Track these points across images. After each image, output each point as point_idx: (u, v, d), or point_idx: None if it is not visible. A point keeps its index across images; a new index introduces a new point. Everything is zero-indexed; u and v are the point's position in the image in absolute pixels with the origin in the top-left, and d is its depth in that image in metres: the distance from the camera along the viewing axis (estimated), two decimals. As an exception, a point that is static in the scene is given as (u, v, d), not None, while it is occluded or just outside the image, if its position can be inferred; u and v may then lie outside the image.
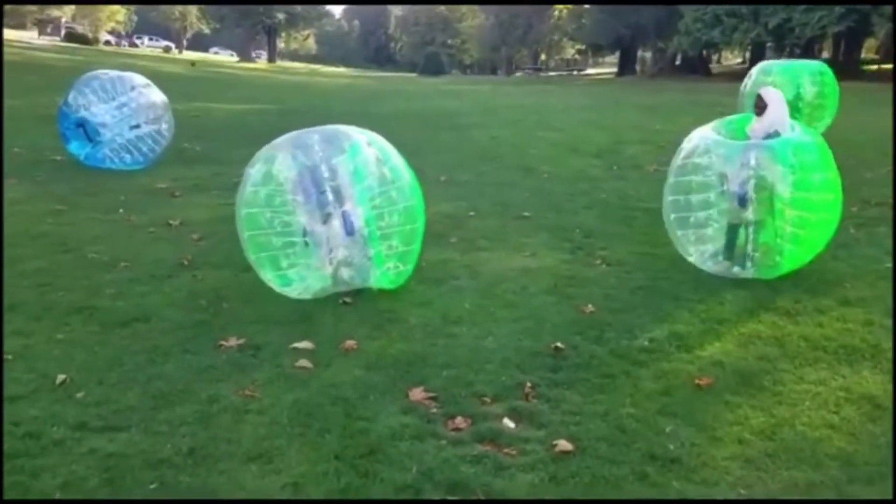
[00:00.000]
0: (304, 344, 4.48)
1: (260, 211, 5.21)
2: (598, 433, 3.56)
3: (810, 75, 13.15)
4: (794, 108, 12.76)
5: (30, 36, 64.03)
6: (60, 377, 3.88)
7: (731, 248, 6.14)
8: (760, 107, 6.15)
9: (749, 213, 5.96)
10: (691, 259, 6.22)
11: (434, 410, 3.75)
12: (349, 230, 5.23)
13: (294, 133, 5.34)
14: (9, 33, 61.55)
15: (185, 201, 8.54)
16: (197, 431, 3.40)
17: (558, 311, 5.31)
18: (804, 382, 4.23)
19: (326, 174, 5.18)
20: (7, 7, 61.14)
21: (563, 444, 3.42)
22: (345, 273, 5.36)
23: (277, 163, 5.17)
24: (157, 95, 10.65)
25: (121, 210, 7.83)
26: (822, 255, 7.00)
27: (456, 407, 3.79)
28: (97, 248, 6.36)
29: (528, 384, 4.06)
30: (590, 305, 5.36)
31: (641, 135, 15.83)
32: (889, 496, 3.20)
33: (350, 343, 4.53)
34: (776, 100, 6.19)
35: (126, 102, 10.28)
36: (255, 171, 5.24)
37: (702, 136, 6.36)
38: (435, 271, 5.70)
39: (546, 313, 5.23)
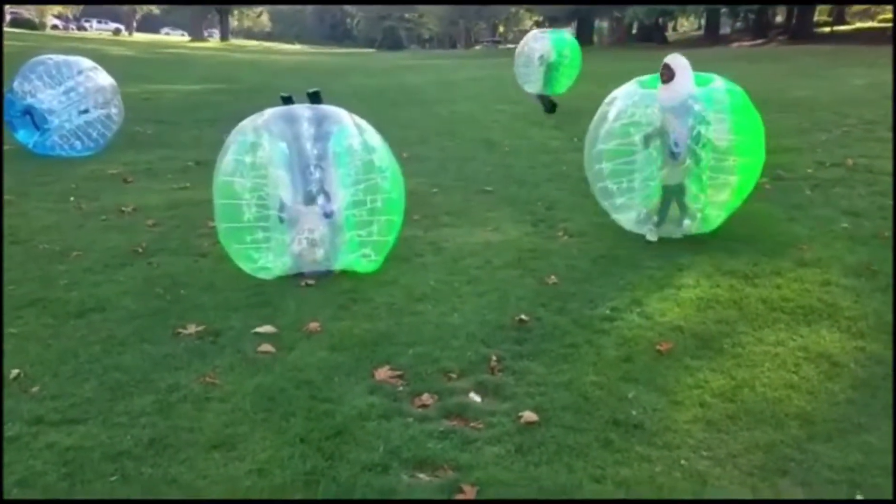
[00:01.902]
0: (267, 328, 4.42)
1: (237, 181, 5.04)
2: (562, 402, 3.58)
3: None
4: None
5: (-28, 22, 61.86)
6: (14, 372, 3.77)
7: (665, 210, 6.35)
8: (668, 75, 6.07)
9: (686, 167, 6.14)
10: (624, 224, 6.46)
11: (400, 389, 3.73)
12: (328, 213, 5.20)
13: (283, 108, 5.23)
14: (-51, 19, 59.49)
15: (137, 186, 8.35)
16: (157, 422, 3.34)
17: (522, 283, 5.31)
18: (763, 344, 4.30)
19: (315, 152, 5.11)
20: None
21: (529, 416, 3.43)
22: (317, 253, 5.29)
23: (265, 136, 5.05)
24: (104, 79, 10.35)
25: (72, 198, 7.62)
26: (777, 217, 7.15)
27: (422, 384, 3.78)
28: (48, 239, 6.19)
29: (494, 358, 4.06)
30: (552, 277, 5.38)
31: (595, 105, 15.83)
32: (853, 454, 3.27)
33: (314, 325, 4.48)
34: (683, 66, 6.10)
35: (73, 87, 9.97)
36: (239, 141, 5.08)
37: (628, 93, 6.44)
38: (399, 249, 5.65)
39: (510, 286, 5.24)
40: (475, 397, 3.65)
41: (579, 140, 12.25)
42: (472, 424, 3.38)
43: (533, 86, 14.81)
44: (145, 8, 74.19)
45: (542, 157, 10.39)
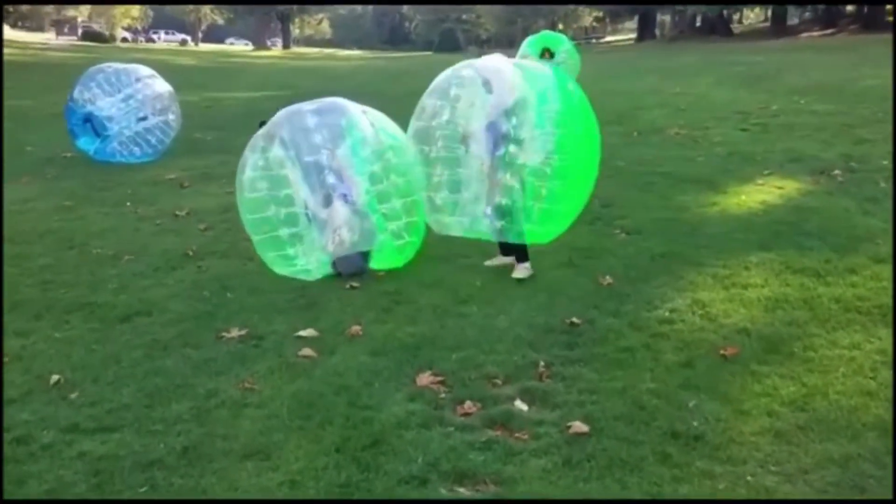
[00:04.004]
0: (309, 332, 4.30)
1: (260, 196, 5.16)
2: (615, 412, 3.35)
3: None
4: None
5: (47, 37, 64.49)
6: (55, 377, 3.74)
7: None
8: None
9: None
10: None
11: (442, 395, 3.55)
12: (346, 198, 5.20)
13: (289, 112, 5.21)
14: (26, 35, 62.10)
15: (193, 191, 8.41)
16: (192, 429, 3.24)
17: (574, 284, 5.07)
18: (837, 347, 3.97)
19: (325, 153, 5.07)
20: (24, 8, 61.62)
21: (578, 426, 3.21)
22: (346, 235, 5.21)
23: (275, 148, 5.08)
24: (162, 86, 10.51)
25: (128, 203, 7.71)
26: (851, 211, 6.71)
27: (465, 391, 3.59)
28: (102, 243, 6.24)
29: (542, 363, 3.84)
30: (608, 277, 5.12)
31: (661, 98, 15.43)
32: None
33: (355, 329, 4.35)
34: (493, 70, 5.08)
35: (132, 94, 10.15)
36: (253, 158, 5.17)
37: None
38: (443, 249, 5.49)
39: (561, 287, 5.01)
40: (521, 405, 3.44)
41: (639, 135, 11.93)
42: (516, 435, 3.18)
43: None
44: (210, 18, 76.04)
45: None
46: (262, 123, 5.33)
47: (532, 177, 5.01)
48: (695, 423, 3.24)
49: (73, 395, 3.58)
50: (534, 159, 4.98)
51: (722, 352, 3.92)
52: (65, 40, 61.71)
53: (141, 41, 71.77)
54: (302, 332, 4.29)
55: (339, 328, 4.39)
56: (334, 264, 5.29)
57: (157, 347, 4.14)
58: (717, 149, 10.25)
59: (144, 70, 10.56)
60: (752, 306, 4.56)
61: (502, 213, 5.09)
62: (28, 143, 11.68)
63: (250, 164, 5.14)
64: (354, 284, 5.13)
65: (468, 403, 3.45)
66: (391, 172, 5.30)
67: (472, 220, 5.25)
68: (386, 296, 4.94)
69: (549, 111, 4.96)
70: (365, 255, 5.38)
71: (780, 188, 7.81)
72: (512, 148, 5.00)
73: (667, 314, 4.46)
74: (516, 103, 4.97)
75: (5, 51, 35.10)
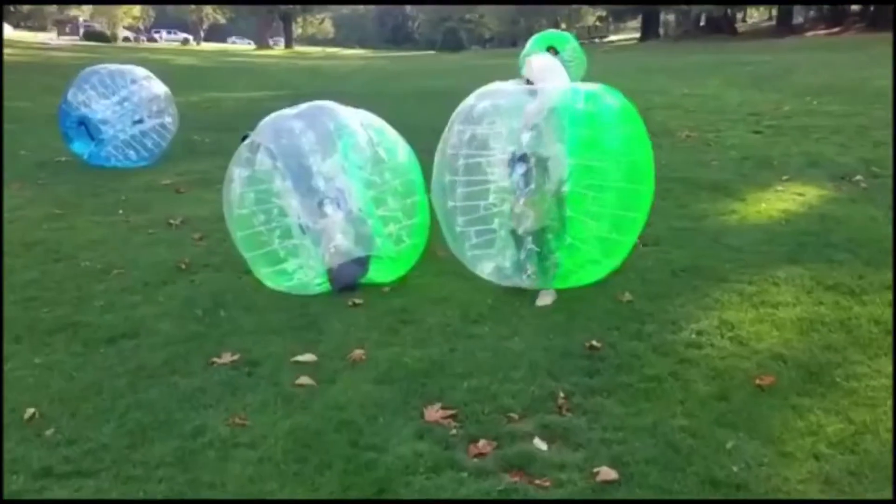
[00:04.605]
0: (307, 357, 3.98)
1: (250, 211, 4.91)
2: (646, 453, 3.02)
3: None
4: None
5: (49, 37, 64.25)
6: (30, 411, 3.42)
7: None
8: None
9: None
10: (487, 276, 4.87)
11: (453, 432, 3.23)
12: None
13: (273, 119, 4.96)
14: (29, 35, 61.92)
15: (189, 197, 8.09)
16: (175, 475, 2.92)
17: (592, 301, 4.74)
18: (881, 376, 3.64)
19: (314, 159, 4.82)
20: (26, 8, 61.42)
21: (606, 472, 2.88)
22: (341, 242, 4.95)
23: (261, 159, 4.83)
24: (159, 87, 10.16)
25: (121, 211, 7.39)
26: (878, 220, 6.38)
27: (478, 427, 3.27)
28: (91, 255, 5.92)
29: (562, 394, 3.52)
30: (626, 293, 4.79)
31: (668, 99, 15.09)
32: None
33: (358, 353, 4.03)
34: (540, 70, 4.72)
35: (127, 97, 9.80)
36: (239, 171, 4.93)
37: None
38: (454, 262, 5.17)
39: (578, 305, 4.68)
40: (540, 444, 3.12)
41: (652, 136, 11.58)
42: (537, 482, 2.85)
43: None
44: (212, 17, 75.81)
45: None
46: (245, 137, 5.03)
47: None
48: (735, 469, 2.91)
49: (48, 433, 3.26)
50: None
51: (758, 382, 3.59)
52: (66, 40, 61.45)
53: (143, 41, 71.53)
54: (300, 357, 3.97)
55: (341, 352, 4.07)
56: (330, 279, 5.00)
57: (142, 375, 3.82)
58: (731, 152, 9.92)
59: (140, 71, 10.22)
60: (785, 328, 4.23)
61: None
62: (23, 146, 11.34)
63: (237, 179, 4.88)
64: (357, 301, 4.82)
65: (482, 442, 3.13)
66: (386, 174, 5.06)
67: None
68: (391, 314, 4.62)
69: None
70: (363, 265, 5.09)
71: (800, 195, 7.48)
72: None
73: (693, 337, 4.14)
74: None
75: (5, 52, 34.88)
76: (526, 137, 4.51)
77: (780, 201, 7.27)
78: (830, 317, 4.35)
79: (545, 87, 4.56)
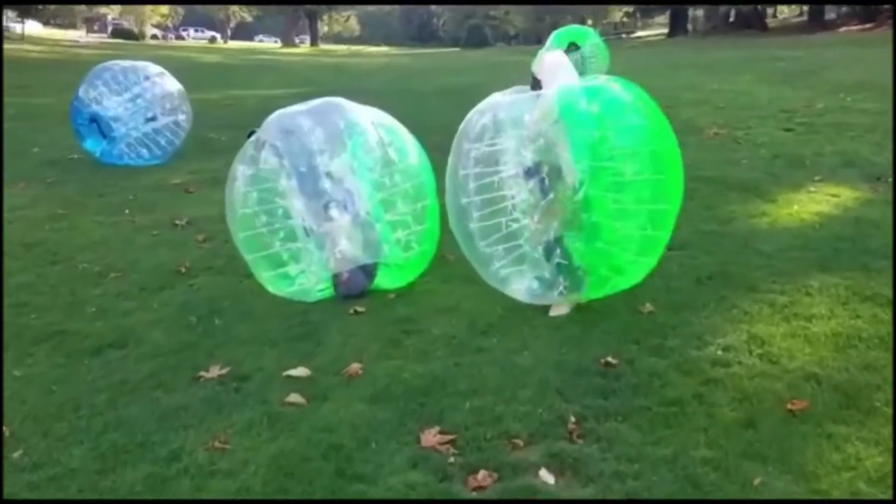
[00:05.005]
0: (300, 371, 3.72)
1: (253, 211, 4.68)
2: (664, 489, 2.71)
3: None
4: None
5: (79, 35, 64.86)
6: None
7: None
8: (535, 88, 4.37)
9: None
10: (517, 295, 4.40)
11: (451, 460, 2.94)
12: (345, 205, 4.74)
13: (280, 116, 4.72)
14: (59, 33, 62.56)
15: (198, 197, 7.88)
16: (142, 507, 2.67)
17: (609, 311, 4.43)
18: (928, 401, 3.29)
19: (322, 158, 4.57)
20: (55, 7, 62.08)
21: (618, 512, 2.58)
22: (347, 247, 4.72)
23: (266, 157, 4.58)
24: (172, 84, 9.99)
25: (127, 211, 7.20)
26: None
27: (479, 455, 2.98)
28: (90, 257, 5.72)
29: (573, 418, 3.21)
30: (647, 304, 4.46)
31: (697, 96, 14.62)
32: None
33: (355, 367, 3.75)
34: (550, 67, 4.35)
35: (140, 93, 9.64)
36: (243, 169, 4.69)
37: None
38: (464, 266, 4.88)
39: (594, 315, 4.36)
40: (547, 476, 2.82)
41: (675, 134, 11.17)
42: (541, 522, 2.56)
43: None
44: (239, 15, 76.15)
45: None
46: (252, 133, 4.78)
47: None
48: (764, 510, 2.59)
49: (16, 455, 3.04)
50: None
51: (789, 406, 3.26)
52: (95, 38, 62.02)
53: (171, 38, 72.01)
54: (292, 371, 3.71)
55: (337, 365, 3.80)
56: (336, 284, 4.75)
57: (124, 390, 3.58)
58: (762, 151, 9.49)
59: (153, 68, 10.05)
60: (819, 344, 3.88)
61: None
62: (37, 143, 11.25)
63: (241, 177, 4.64)
64: (359, 309, 4.55)
65: (482, 473, 2.84)
66: (396, 176, 4.80)
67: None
68: (395, 324, 4.34)
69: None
70: (370, 273, 4.83)
71: (834, 196, 7.08)
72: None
73: (720, 353, 3.80)
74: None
75: (33, 49, 35.22)
76: (532, 148, 4.20)
77: (813, 203, 6.88)
78: (868, 332, 3.99)
79: (544, 93, 4.24)
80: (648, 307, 4.43)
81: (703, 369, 3.63)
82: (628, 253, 4.31)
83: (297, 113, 4.78)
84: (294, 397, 3.44)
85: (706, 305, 4.45)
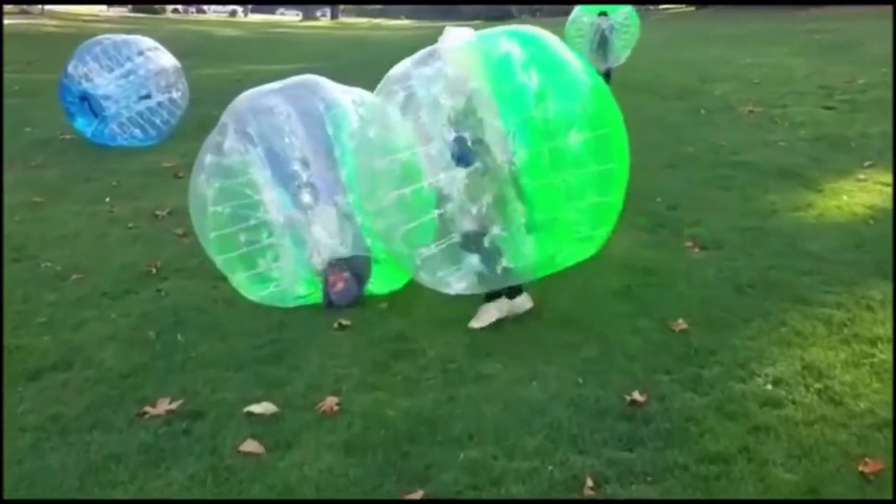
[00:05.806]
0: (264, 407, 3.11)
1: (221, 207, 4.13)
2: None
3: None
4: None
5: (100, 9, 64.38)
6: None
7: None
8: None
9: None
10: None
11: (434, 540, 2.34)
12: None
13: (250, 97, 4.15)
14: (79, 8, 62.12)
15: (186, 183, 7.19)
16: None
17: (634, 328, 3.79)
18: None
19: (297, 143, 4.16)
20: (76, -20, 61.54)
21: None
22: (328, 242, 4.20)
23: (232, 143, 4.00)
24: (167, 60, 9.34)
25: (107, 199, 6.62)
26: None
27: (470, 533, 2.37)
28: (56, 254, 5.15)
29: (590, 481, 2.58)
30: (680, 320, 3.80)
31: (730, 70, 13.72)
32: None
33: (330, 402, 3.14)
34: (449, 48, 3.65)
35: (133, 70, 9.00)
36: (210, 160, 4.21)
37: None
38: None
39: (616, 333, 3.72)
40: (555, 569, 2.20)
41: (706, 112, 10.41)
42: None
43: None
44: (258, -12, 75.22)
45: (660, 135, 8.59)
46: None
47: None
48: None
49: None
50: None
51: (861, 468, 2.60)
52: (115, 12, 61.44)
53: (192, 12, 71.35)
54: (255, 407, 3.10)
55: (310, 398, 3.20)
56: (325, 291, 4.17)
57: (53, 430, 3.00)
58: (801, 131, 8.72)
59: (147, 42, 9.41)
60: (889, 378, 3.21)
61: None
62: (31, 122, 10.70)
63: (207, 169, 4.05)
64: (345, 322, 3.95)
65: (472, 563, 2.23)
66: None
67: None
68: (383, 342, 3.73)
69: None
70: (361, 277, 4.24)
71: (886, 185, 6.36)
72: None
73: (769, 388, 3.15)
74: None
75: (50, 24, 34.75)
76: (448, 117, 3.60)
77: (864, 193, 6.17)
78: (951, 361, 3.31)
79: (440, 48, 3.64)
80: (681, 324, 3.77)
81: (751, 411, 2.98)
82: (580, 225, 3.69)
83: (268, 92, 4.33)
84: (251, 445, 2.83)
85: (749, 322, 3.79)
